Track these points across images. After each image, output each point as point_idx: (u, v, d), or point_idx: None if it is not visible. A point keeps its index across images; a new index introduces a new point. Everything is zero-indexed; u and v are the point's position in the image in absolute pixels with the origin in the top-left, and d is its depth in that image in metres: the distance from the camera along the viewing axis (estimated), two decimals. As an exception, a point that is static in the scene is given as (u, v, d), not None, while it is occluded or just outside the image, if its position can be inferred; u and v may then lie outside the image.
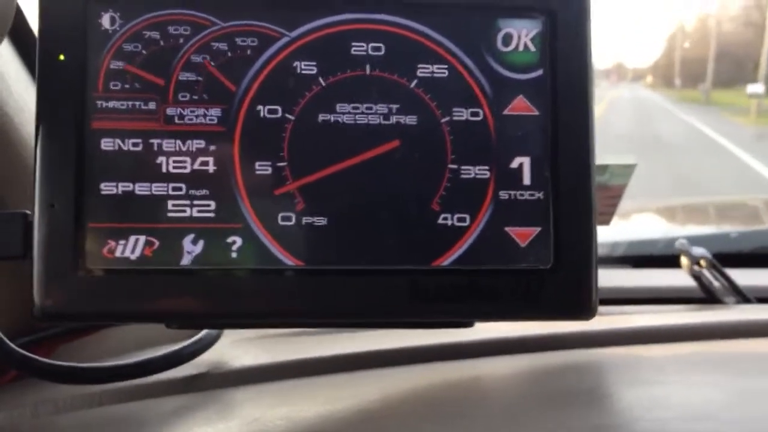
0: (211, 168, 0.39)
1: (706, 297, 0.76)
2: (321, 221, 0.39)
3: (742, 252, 0.96)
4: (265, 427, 0.39)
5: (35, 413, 0.43)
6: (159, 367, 0.45)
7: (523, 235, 0.40)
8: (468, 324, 0.42)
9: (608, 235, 0.94)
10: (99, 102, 0.39)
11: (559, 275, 0.39)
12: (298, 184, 0.39)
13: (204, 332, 0.48)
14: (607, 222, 0.81)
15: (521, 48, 0.41)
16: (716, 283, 0.77)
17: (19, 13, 0.38)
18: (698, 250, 0.76)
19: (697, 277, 0.76)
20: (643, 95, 31.73)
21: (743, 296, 0.76)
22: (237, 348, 0.51)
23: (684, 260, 0.77)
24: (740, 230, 1.08)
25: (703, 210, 1.51)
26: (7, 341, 0.41)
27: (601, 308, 0.71)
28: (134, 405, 0.43)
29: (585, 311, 0.40)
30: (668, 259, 0.84)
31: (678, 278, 0.78)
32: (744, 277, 0.78)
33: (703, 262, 0.76)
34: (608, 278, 0.81)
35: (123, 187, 0.38)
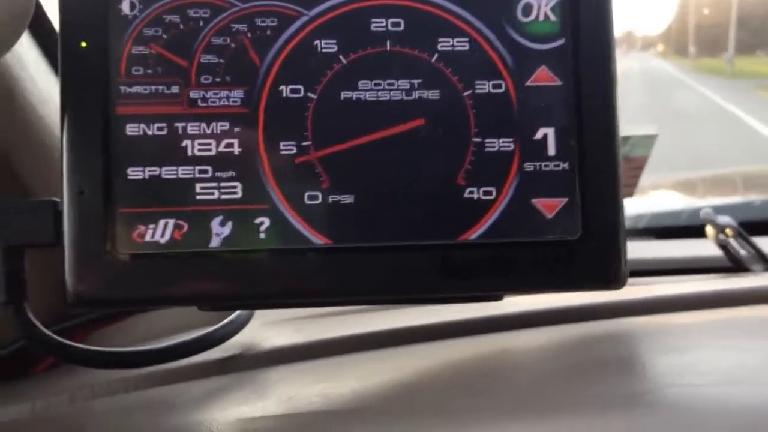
0: (236, 149, 0.39)
1: (733, 266, 0.75)
2: (347, 199, 0.39)
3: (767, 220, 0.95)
4: (301, 404, 0.39)
5: (72, 399, 0.43)
6: (192, 351, 0.46)
7: (549, 206, 0.40)
8: (497, 297, 0.42)
9: (631, 207, 0.94)
10: (122, 87, 0.39)
11: (587, 246, 0.39)
12: (323, 162, 0.39)
13: (235, 314, 0.48)
14: (630, 194, 0.81)
15: (542, 18, 0.40)
16: (743, 252, 0.76)
17: (37, 4, 0.38)
18: (724, 219, 0.76)
19: (723, 246, 0.76)
20: (654, 66, 29.01)
21: (771, 263, 0.76)
22: (268, 329, 0.51)
23: (710, 229, 0.76)
24: (764, 198, 1.07)
25: (726, 180, 1.50)
26: (43, 328, 0.41)
27: (629, 280, 0.71)
28: (169, 388, 0.44)
29: (615, 281, 0.40)
30: (692, 230, 0.83)
31: (703, 248, 0.78)
32: None
33: (729, 231, 0.76)
34: (632, 250, 0.80)
35: (150, 171, 0.39)
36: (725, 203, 1.14)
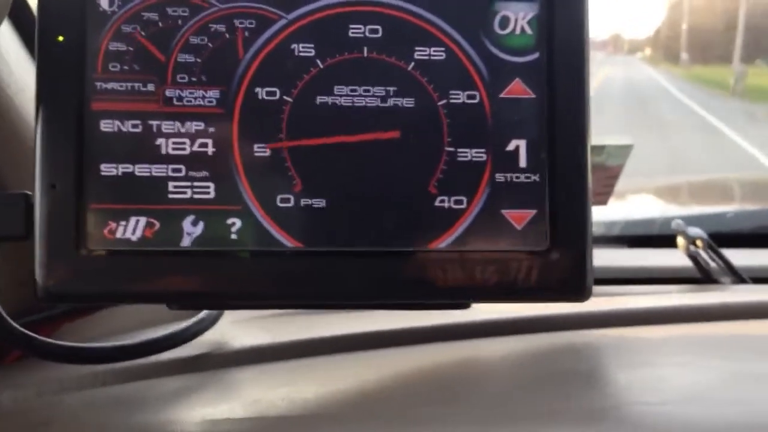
0: (210, 150, 0.39)
1: (702, 277, 0.76)
2: (319, 203, 0.40)
3: (739, 232, 0.96)
4: (266, 408, 0.39)
5: (40, 392, 0.43)
6: (161, 347, 0.46)
7: (519, 217, 0.40)
8: (464, 306, 0.43)
9: (605, 214, 0.95)
10: (98, 83, 0.39)
11: (554, 257, 0.40)
12: (297, 165, 0.39)
13: (205, 312, 0.48)
14: (604, 202, 0.82)
15: (518, 31, 0.41)
16: (712, 264, 0.77)
17: None
18: (694, 231, 0.77)
19: (693, 257, 0.77)
20: (642, 76, 22.49)
21: (739, 276, 0.77)
22: (238, 328, 0.51)
23: (680, 240, 0.77)
24: (737, 210, 1.08)
25: (701, 189, 1.52)
26: (10, 320, 0.41)
27: (598, 288, 0.72)
28: (137, 385, 0.44)
29: (580, 293, 0.40)
30: (665, 239, 0.84)
31: (674, 258, 0.79)
32: (740, 257, 0.79)
33: (699, 243, 0.77)
34: (605, 258, 0.81)
35: (123, 168, 0.39)
36: (698, 213, 1.15)
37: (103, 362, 0.45)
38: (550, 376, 0.42)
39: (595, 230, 0.94)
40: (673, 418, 0.36)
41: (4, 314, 0.41)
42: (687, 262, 0.77)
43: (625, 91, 15.50)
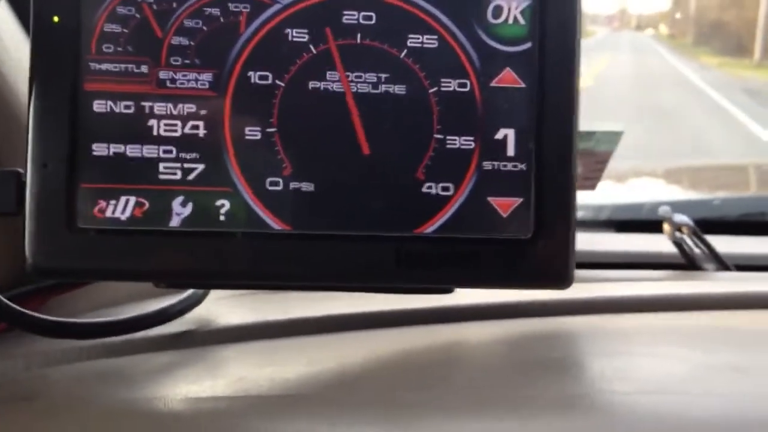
0: (201, 132, 0.40)
1: (687, 263, 0.77)
2: (308, 187, 0.40)
3: (725, 219, 0.97)
4: (249, 386, 0.40)
5: (28, 365, 0.44)
6: (147, 324, 0.46)
7: (504, 205, 0.41)
8: (448, 290, 0.44)
9: (594, 198, 0.95)
10: (92, 64, 0.39)
11: (537, 246, 0.40)
12: (287, 149, 0.40)
13: (192, 290, 0.49)
14: (592, 187, 0.82)
15: (511, 20, 0.41)
16: (697, 250, 0.78)
17: None
18: (680, 218, 0.78)
19: (678, 244, 0.78)
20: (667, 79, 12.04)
21: (723, 263, 0.78)
22: (224, 305, 0.52)
23: (666, 227, 0.78)
24: (724, 197, 1.09)
25: (692, 174, 1.53)
26: None
27: (584, 272, 0.73)
28: (123, 360, 0.45)
29: (561, 281, 0.41)
30: (652, 224, 0.85)
31: (661, 244, 0.80)
32: (725, 244, 0.80)
33: (684, 229, 0.78)
34: (592, 242, 0.82)
35: (114, 148, 0.39)
36: (686, 199, 1.16)
37: (90, 337, 0.45)
38: (525, 363, 0.43)
39: (584, 214, 0.96)
40: (642, 409, 0.37)
41: None
42: (673, 248, 0.78)
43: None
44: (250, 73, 0.40)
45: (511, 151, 0.41)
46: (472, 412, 0.37)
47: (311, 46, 0.40)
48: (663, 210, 0.79)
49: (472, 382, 0.41)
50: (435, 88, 0.41)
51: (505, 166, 0.41)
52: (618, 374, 0.41)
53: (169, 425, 0.37)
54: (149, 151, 0.39)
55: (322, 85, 0.40)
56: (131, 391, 0.40)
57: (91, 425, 0.37)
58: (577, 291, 0.45)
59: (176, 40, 0.39)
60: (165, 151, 0.39)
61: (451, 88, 0.41)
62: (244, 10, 0.40)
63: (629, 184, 1.33)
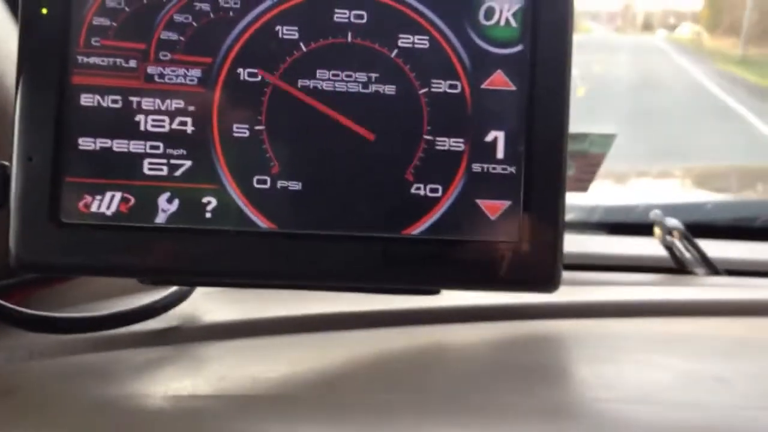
0: (189, 128, 0.39)
1: (677, 267, 0.77)
2: (295, 185, 0.40)
3: (716, 223, 0.97)
4: (230, 386, 0.40)
5: (10, 359, 0.44)
6: (132, 320, 0.46)
7: (493, 207, 0.41)
8: (435, 292, 0.43)
9: (586, 200, 0.95)
10: (80, 57, 0.39)
11: (525, 249, 0.40)
12: (275, 147, 0.40)
13: (177, 286, 0.48)
14: (584, 189, 0.82)
15: (503, 23, 0.41)
16: (687, 254, 0.78)
17: None
18: (671, 221, 0.77)
19: (669, 247, 0.77)
20: None
21: (713, 268, 0.78)
22: (209, 302, 0.52)
23: (657, 230, 0.78)
24: (716, 201, 1.09)
25: (685, 177, 1.52)
26: None
27: (573, 275, 0.73)
28: (105, 355, 0.44)
29: (548, 285, 0.41)
30: (644, 227, 0.85)
31: (652, 247, 0.80)
32: (716, 248, 0.80)
33: (675, 233, 0.78)
34: (583, 244, 0.82)
35: (101, 143, 0.39)
36: (678, 202, 1.16)
37: (73, 332, 0.45)
38: (508, 368, 0.43)
39: (575, 216, 0.96)
40: (624, 417, 0.37)
41: None
42: (663, 252, 0.78)
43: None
44: (240, 70, 0.39)
45: (500, 153, 0.41)
46: (452, 416, 0.37)
47: (301, 44, 0.40)
48: (654, 213, 0.78)
49: (454, 385, 0.41)
50: (425, 89, 0.40)
51: (494, 168, 0.41)
52: (602, 382, 0.41)
53: (150, 423, 0.37)
54: (136, 146, 0.39)
55: (311, 83, 0.40)
56: (112, 387, 0.40)
57: (69, 421, 0.37)
58: (564, 294, 0.45)
59: (166, 35, 0.39)
60: (152, 147, 0.39)
61: (442, 90, 0.40)
62: (234, 6, 0.39)
63: (620, 185, 1.33)
